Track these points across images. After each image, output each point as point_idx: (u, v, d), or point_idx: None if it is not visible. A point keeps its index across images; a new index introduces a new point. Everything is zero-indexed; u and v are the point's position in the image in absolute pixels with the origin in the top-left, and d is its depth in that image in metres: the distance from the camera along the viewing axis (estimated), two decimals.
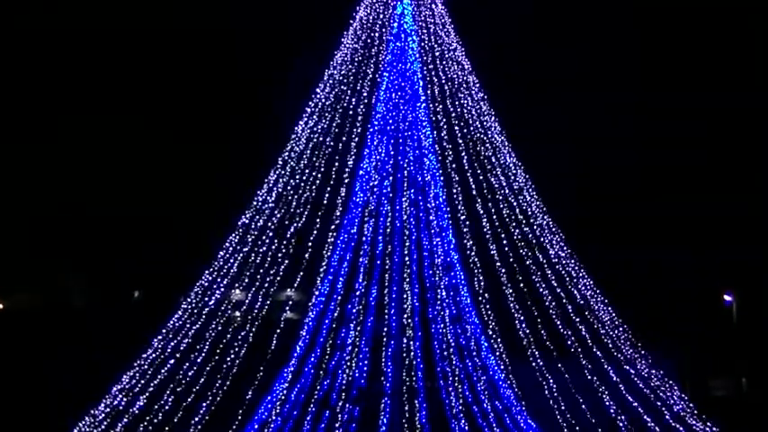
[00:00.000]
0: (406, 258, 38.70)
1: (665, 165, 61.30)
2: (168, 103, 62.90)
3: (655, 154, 61.56)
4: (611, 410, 38.48)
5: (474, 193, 38.98)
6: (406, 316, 38.41)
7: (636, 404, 38.78)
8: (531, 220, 39.16)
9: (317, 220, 38.44)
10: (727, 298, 50.69)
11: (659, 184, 60.42)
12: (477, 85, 39.96)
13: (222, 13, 64.04)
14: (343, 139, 39.04)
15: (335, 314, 38.58)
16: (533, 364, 38.59)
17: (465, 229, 38.99)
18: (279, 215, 38.73)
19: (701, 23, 63.60)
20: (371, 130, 39.54)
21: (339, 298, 38.60)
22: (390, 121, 39.53)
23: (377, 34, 39.78)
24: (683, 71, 64.44)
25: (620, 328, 39.45)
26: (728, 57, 64.27)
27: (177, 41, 63.60)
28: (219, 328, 38.17)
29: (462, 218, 39.00)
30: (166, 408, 37.19)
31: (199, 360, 37.72)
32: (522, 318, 38.36)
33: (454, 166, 39.23)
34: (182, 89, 62.99)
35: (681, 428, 38.70)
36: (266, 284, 38.31)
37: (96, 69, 63.58)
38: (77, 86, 62.87)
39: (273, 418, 38.03)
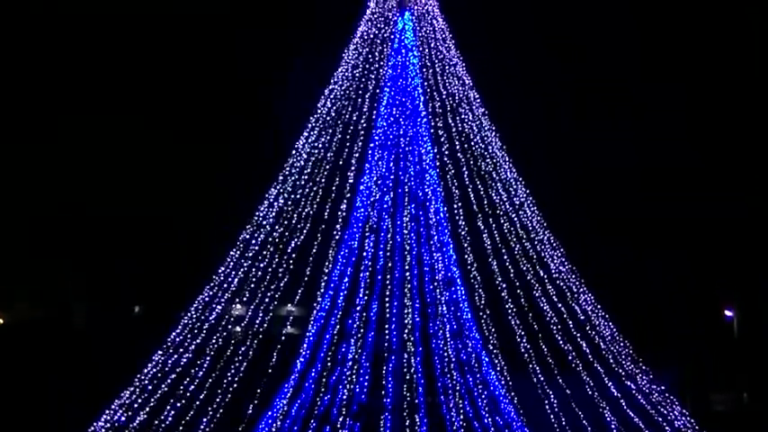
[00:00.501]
0: (407, 273, 38.71)
1: (664, 168, 61.29)
2: (168, 105, 62.76)
3: (654, 157, 61.52)
4: (612, 426, 38.43)
5: (475, 208, 38.93)
6: (406, 331, 38.40)
7: (637, 419, 38.75)
8: (532, 235, 39.11)
9: (318, 235, 38.38)
10: (728, 313, 50.69)
11: (659, 190, 60.32)
12: (478, 100, 39.90)
13: (222, 13, 63.82)
14: (344, 154, 38.99)
15: (336, 329, 38.59)
16: (534, 379, 38.57)
17: (466, 245, 38.94)
18: (279, 230, 38.69)
19: (700, 23, 63.45)
20: (372, 145, 39.55)
21: (340, 313, 38.63)
22: (391, 137, 39.54)
23: (378, 49, 39.73)
24: (683, 70, 64.34)
25: (621, 343, 39.41)
26: (728, 56, 64.14)
27: (177, 41, 63.49)
28: (220, 342, 38.15)
29: (463, 233, 38.96)
30: (167, 423, 37.16)
31: (199, 375, 37.69)
32: (522, 333, 38.31)
33: (455, 181, 39.20)
34: (182, 90, 62.84)
35: None
36: (267, 299, 38.30)
37: (96, 69, 63.43)
38: (77, 87, 62.78)
39: None
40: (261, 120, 58.80)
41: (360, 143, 39.29)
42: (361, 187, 39.29)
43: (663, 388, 39.76)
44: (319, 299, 38.62)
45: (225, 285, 38.46)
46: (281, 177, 39.33)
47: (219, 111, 62.77)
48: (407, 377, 38.10)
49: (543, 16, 62.33)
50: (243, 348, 38.10)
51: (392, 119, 39.64)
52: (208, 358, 37.92)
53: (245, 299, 38.58)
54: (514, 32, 59.15)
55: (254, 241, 38.71)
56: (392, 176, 39.22)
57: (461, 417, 38.45)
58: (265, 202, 39.20)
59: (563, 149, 58.78)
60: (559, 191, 52.47)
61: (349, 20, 40.35)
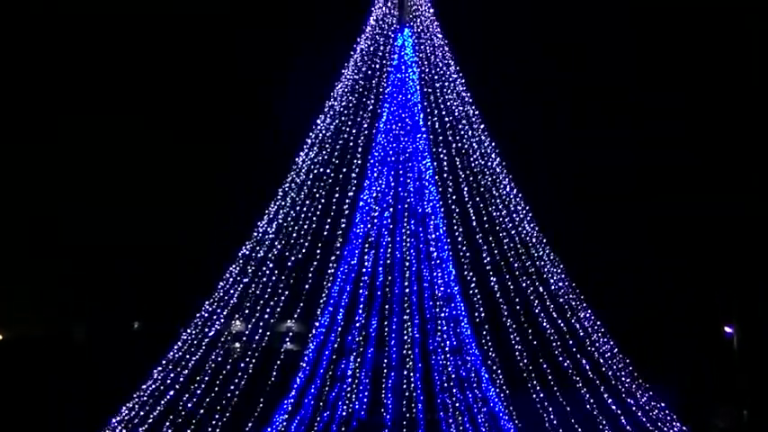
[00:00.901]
0: (407, 290, 38.67)
1: (664, 180, 61.44)
2: (168, 106, 62.89)
3: (653, 166, 61.62)
4: None
5: (474, 224, 38.94)
6: (406, 347, 38.40)
7: None
8: (532, 252, 39.11)
9: (318, 251, 38.36)
10: (727, 329, 50.62)
11: (659, 205, 60.33)
12: (478, 116, 39.98)
13: (222, 13, 63.99)
14: (344, 170, 39.03)
15: (335, 345, 38.54)
16: (534, 395, 38.52)
17: (465, 261, 38.93)
18: (279, 246, 38.68)
19: (698, 23, 63.62)
20: (372, 161, 39.57)
21: (339, 329, 38.57)
22: (391, 153, 39.58)
23: (377, 66, 39.81)
24: (680, 71, 64.55)
25: (621, 360, 39.38)
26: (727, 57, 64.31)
27: (178, 44, 63.72)
28: (219, 359, 38.10)
29: (463, 249, 38.95)
30: None
31: (198, 391, 37.64)
32: (522, 349, 38.28)
33: (454, 197, 39.22)
34: (182, 90, 62.96)
35: None
36: (266, 315, 38.25)
37: (96, 70, 63.61)
38: (77, 91, 62.94)
39: None
40: (261, 120, 59.00)
41: (359, 159, 39.31)
42: (361, 203, 39.29)
43: (663, 405, 39.71)
44: (319, 315, 38.57)
45: (224, 301, 38.43)
46: (280, 193, 39.33)
47: (219, 111, 62.94)
48: (407, 393, 38.09)
49: (542, 31, 62.64)
50: (242, 364, 38.04)
51: (392, 135, 39.68)
52: (207, 374, 37.85)
53: (244, 315, 38.52)
54: (514, 48, 59.43)
55: (253, 257, 38.70)
56: (392, 192, 39.24)
57: None
58: (265, 217, 39.19)
59: (563, 165, 59.00)
60: (559, 207, 52.61)
61: (348, 20, 40.54)
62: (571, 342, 38.63)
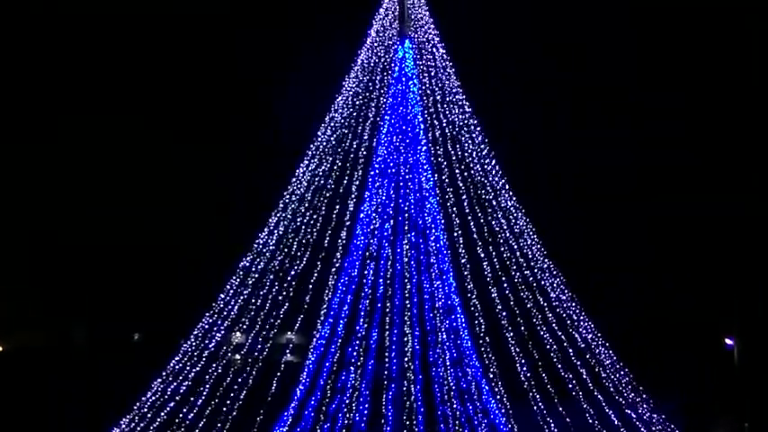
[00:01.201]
0: (407, 301, 38.60)
1: (666, 187, 61.35)
2: (168, 106, 62.76)
3: (652, 162, 61.58)
4: None
5: (475, 236, 38.87)
6: (406, 359, 38.32)
7: None
8: (532, 264, 39.06)
9: (318, 263, 38.31)
10: (728, 341, 50.59)
11: (659, 212, 60.23)
12: (478, 128, 39.89)
13: (222, 13, 63.77)
14: (344, 182, 38.96)
15: (336, 357, 38.49)
16: (534, 407, 38.52)
17: (466, 272, 38.87)
18: (279, 258, 38.63)
19: (698, 23, 63.49)
20: (372, 173, 39.47)
21: (339, 341, 38.52)
22: (391, 164, 39.47)
23: (378, 77, 39.70)
24: (680, 71, 64.45)
25: (622, 372, 39.38)
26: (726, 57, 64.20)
27: (178, 44, 63.55)
28: (219, 370, 38.10)
29: (463, 261, 38.90)
30: None
31: (198, 403, 37.65)
32: (523, 361, 38.27)
33: (455, 209, 39.15)
34: (182, 93, 62.79)
35: None
36: (267, 327, 38.25)
37: (96, 70, 63.44)
38: (77, 91, 62.79)
39: None
40: (261, 120, 58.90)
41: (360, 171, 39.26)
42: (362, 215, 39.21)
43: (663, 417, 39.73)
44: (319, 327, 38.53)
45: (225, 313, 38.42)
46: (281, 205, 39.30)
47: (219, 111, 62.80)
48: (407, 405, 38.02)
49: (542, 31, 62.55)
50: (242, 376, 38.04)
51: (392, 147, 39.58)
52: (207, 386, 37.85)
53: (244, 326, 38.50)
54: (514, 48, 59.36)
55: (254, 269, 38.65)
56: (392, 204, 39.15)
57: None
58: (266, 229, 39.15)
59: (563, 165, 59.01)
60: (559, 209, 52.70)
61: (348, 21, 40.38)
62: (572, 353, 38.62)
